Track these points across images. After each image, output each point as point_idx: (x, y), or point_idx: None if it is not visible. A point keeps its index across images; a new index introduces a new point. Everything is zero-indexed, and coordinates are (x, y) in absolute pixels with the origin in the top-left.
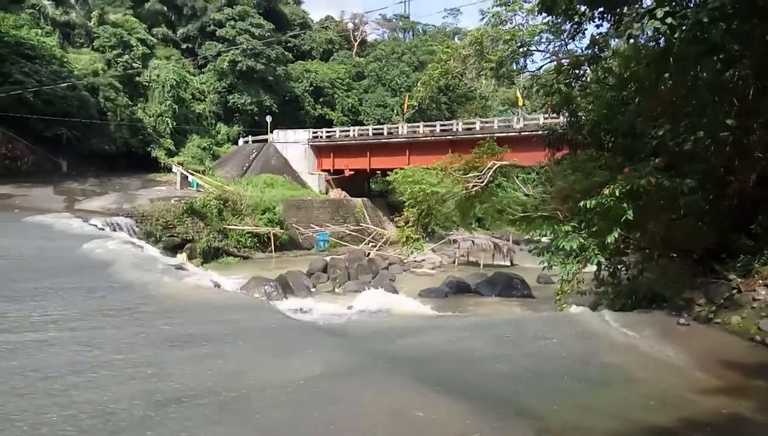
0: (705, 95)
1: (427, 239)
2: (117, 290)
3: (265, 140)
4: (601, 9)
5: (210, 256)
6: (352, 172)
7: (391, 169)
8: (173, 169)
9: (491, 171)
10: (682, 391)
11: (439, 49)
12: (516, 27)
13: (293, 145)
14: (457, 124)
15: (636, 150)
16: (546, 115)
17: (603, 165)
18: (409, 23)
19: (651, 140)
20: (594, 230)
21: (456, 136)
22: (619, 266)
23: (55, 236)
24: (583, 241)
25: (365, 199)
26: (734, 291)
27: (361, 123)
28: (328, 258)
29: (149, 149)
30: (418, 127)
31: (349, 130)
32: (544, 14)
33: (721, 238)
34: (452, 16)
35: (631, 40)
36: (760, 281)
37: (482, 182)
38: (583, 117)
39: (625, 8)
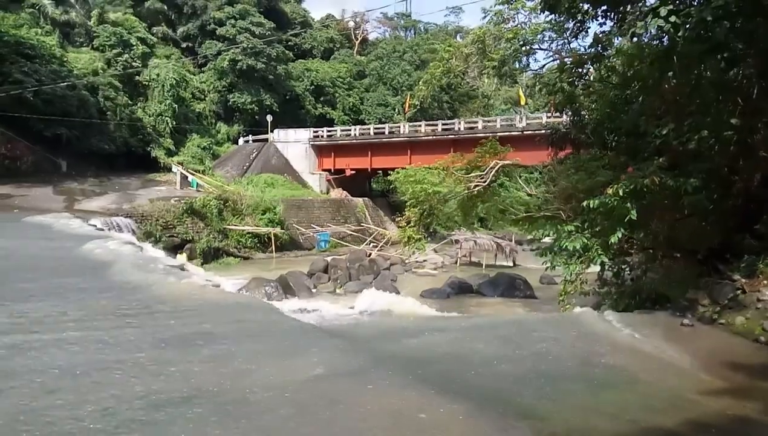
0: (709, 94)
1: (428, 239)
2: (117, 291)
3: (266, 140)
4: (604, 7)
5: (210, 256)
6: (353, 172)
7: (393, 169)
8: (173, 169)
9: (494, 170)
10: (686, 392)
11: (441, 47)
12: (518, 25)
13: (294, 144)
14: (459, 123)
15: (639, 149)
16: (549, 114)
17: (606, 164)
18: (411, 21)
19: (655, 139)
20: (597, 229)
21: (458, 135)
22: (622, 267)
23: (55, 236)
24: (586, 241)
25: (366, 199)
26: (738, 292)
27: (362, 122)
28: (329, 258)
29: (149, 149)
30: (420, 126)
31: (350, 130)
32: (546, 12)
33: (725, 238)
34: (454, 14)
35: (635, 39)
36: (765, 282)
37: (484, 182)
38: (587, 116)
39: (629, 6)
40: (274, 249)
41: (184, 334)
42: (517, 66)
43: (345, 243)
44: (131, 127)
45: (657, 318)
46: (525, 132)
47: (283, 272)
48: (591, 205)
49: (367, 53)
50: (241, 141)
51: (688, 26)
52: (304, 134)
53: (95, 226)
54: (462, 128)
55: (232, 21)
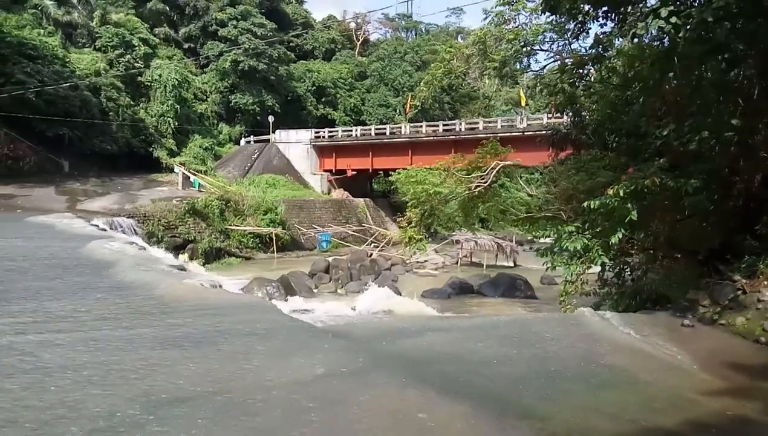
0: (709, 95)
1: (429, 239)
2: (119, 291)
3: (267, 140)
4: (605, 8)
5: (212, 256)
6: (354, 173)
7: (394, 170)
8: (175, 170)
9: (494, 171)
10: (687, 392)
11: (442, 48)
12: (519, 26)
13: (295, 145)
14: (460, 124)
15: (640, 150)
16: (550, 115)
17: (607, 165)
18: (412, 23)
19: (655, 140)
20: (598, 230)
21: (459, 136)
22: (623, 267)
23: (57, 236)
24: (586, 241)
25: (368, 199)
26: (739, 292)
27: (363, 123)
28: (330, 259)
29: (151, 149)
30: (421, 127)
31: (351, 130)
32: (547, 13)
33: (725, 238)
34: (455, 15)
35: (636, 40)
36: (765, 282)
37: (485, 182)
38: (587, 117)
39: (629, 7)
40: (275, 249)
41: (184, 334)
42: (518, 67)
43: (346, 243)
44: (133, 128)
45: (657, 319)
46: (526, 133)
47: (284, 272)
48: (592, 206)
49: (369, 54)
50: (242, 142)
51: (688, 27)
52: (306, 135)
53: (97, 226)
54: (463, 129)
55: (234, 22)
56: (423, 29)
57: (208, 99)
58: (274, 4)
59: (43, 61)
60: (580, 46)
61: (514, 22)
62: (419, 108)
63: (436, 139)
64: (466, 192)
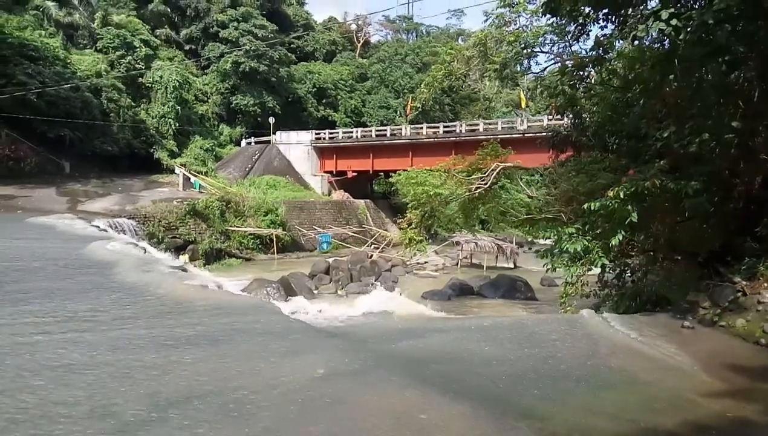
0: (710, 97)
1: (429, 240)
2: (120, 292)
3: (268, 142)
4: (605, 10)
5: (212, 257)
6: (354, 174)
7: (394, 171)
8: (176, 171)
9: (495, 173)
10: (686, 393)
11: (443, 50)
12: (520, 28)
13: (296, 146)
14: (461, 125)
15: (640, 152)
16: (550, 117)
17: (607, 167)
18: (413, 24)
19: (656, 142)
20: (598, 232)
21: (459, 137)
22: (623, 269)
23: (58, 237)
24: (587, 243)
25: (368, 200)
26: (739, 294)
27: (364, 124)
28: (330, 260)
29: (152, 150)
30: (421, 128)
31: (352, 132)
32: (548, 16)
33: (726, 240)
34: (456, 17)
35: (636, 42)
36: (766, 284)
37: (486, 184)
38: (588, 119)
39: (630, 10)
40: (275, 250)
41: (185, 334)
42: (519, 69)
43: (346, 245)
44: (134, 129)
45: (658, 320)
46: (526, 134)
47: (284, 273)
48: (592, 208)
49: (369, 56)
50: (243, 143)
51: (689, 29)
52: (306, 136)
53: (98, 227)
54: (463, 131)
55: (235, 24)
56: (424, 31)
57: (209, 100)
58: (275, 5)
59: (44, 63)
60: (580, 48)
61: (515, 24)
62: (420, 110)
63: (437, 141)
64: (467, 193)
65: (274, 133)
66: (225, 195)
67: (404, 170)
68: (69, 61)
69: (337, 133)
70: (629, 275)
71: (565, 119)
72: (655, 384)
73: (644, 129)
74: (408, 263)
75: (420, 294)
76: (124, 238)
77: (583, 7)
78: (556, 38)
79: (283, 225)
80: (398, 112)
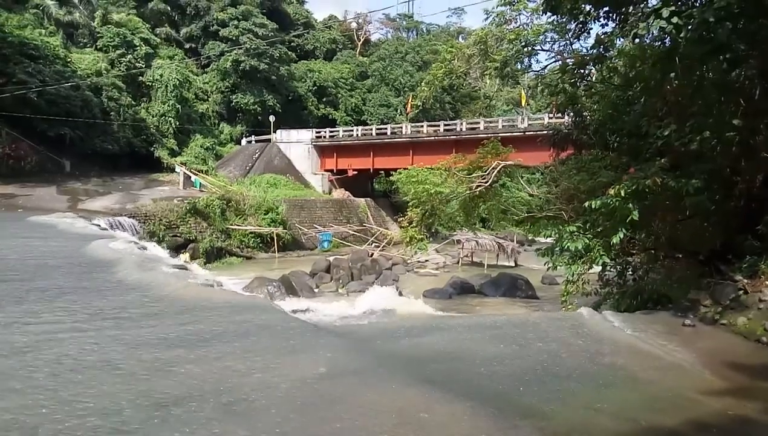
0: (711, 95)
1: (430, 239)
2: (122, 291)
3: (268, 140)
4: (606, 8)
5: (213, 256)
6: (355, 172)
7: (395, 169)
8: (176, 169)
9: (495, 171)
10: (688, 392)
11: (443, 48)
12: (520, 26)
13: (296, 144)
14: (461, 124)
15: (641, 150)
16: (551, 115)
17: (608, 165)
18: (413, 23)
19: (656, 140)
20: (599, 230)
21: (460, 136)
22: (624, 267)
23: (59, 235)
24: (588, 241)
25: (368, 199)
26: (740, 292)
27: (364, 123)
28: (331, 258)
29: (152, 149)
30: (422, 126)
31: (352, 130)
32: (548, 13)
33: (727, 238)
34: (456, 15)
35: (637, 40)
36: (767, 282)
37: (486, 182)
38: (588, 117)
39: (631, 8)
40: (276, 249)
41: (186, 333)
42: (519, 67)
43: (347, 243)
44: (135, 128)
45: (659, 318)
46: (527, 133)
47: (285, 272)
48: (593, 206)
49: (370, 54)
50: (243, 141)
51: (690, 27)
52: (307, 135)
53: (99, 225)
54: (464, 129)
55: (235, 22)
56: (424, 29)
57: (209, 99)
58: (275, 4)
59: (44, 61)
60: (581, 46)
61: (515, 23)
62: (420, 108)
63: (437, 139)
64: (467, 192)
65: (274, 132)
66: (225, 194)
67: (405, 169)
68: (69, 59)
69: (338, 131)
70: (630, 273)
71: (566, 117)
72: (656, 382)
73: (645, 127)
74: (409, 261)
75: (421, 292)
76: (125, 236)
77: (583, 5)
78: (556, 36)
79: (284, 224)
80: (399, 111)
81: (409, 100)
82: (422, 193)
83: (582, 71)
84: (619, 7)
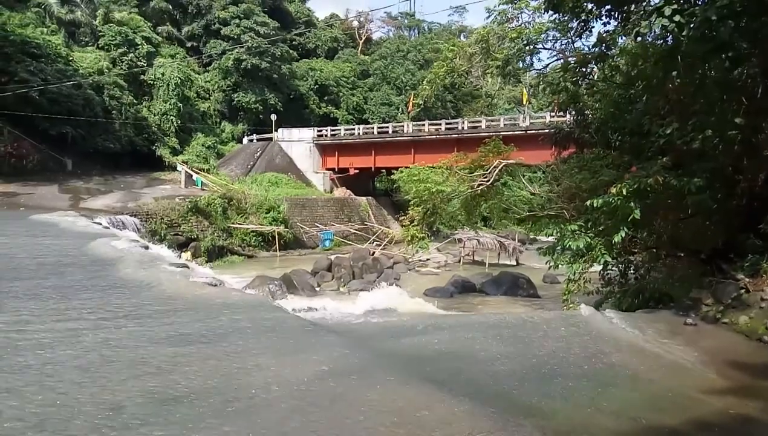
0: (713, 94)
1: (432, 238)
2: (124, 289)
3: (270, 139)
4: (608, 7)
5: (214, 254)
6: (356, 171)
7: (396, 168)
8: (178, 168)
9: (497, 170)
10: (689, 391)
11: (445, 47)
12: (522, 25)
13: (298, 143)
14: (463, 122)
15: (643, 149)
16: (552, 114)
17: (610, 164)
18: (415, 21)
19: (658, 139)
20: (601, 229)
21: (461, 134)
22: (626, 266)
23: (61, 234)
24: (589, 240)
25: (370, 197)
26: (742, 291)
27: (366, 121)
28: (332, 257)
29: (154, 148)
30: (423, 125)
31: (353, 129)
32: (550, 12)
33: (729, 237)
34: (458, 14)
35: (639, 38)
36: None
37: (488, 181)
38: (590, 115)
39: (633, 6)
40: (278, 247)
41: (188, 331)
42: (521, 65)
43: (348, 242)
44: (136, 126)
45: (660, 317)
46: (528, 131)
47: (286, 271)
48: (594, 205)
49: (371, 53)
50: (245, 140)
51: (692, 25)
52: (308, 133)
53: (101, 224)
54: (465, 128)
55: (237, 20)
56: (426, 28)
57: (211, 97)
58: (277, 2)
59: (46, 60)
60: (583, 44)
61: (517, 21)
62: (422, 106)
63: (439, 138)
64: (469, 190)
65: (276, 131)
66: (227, 192)
67: (406, 167)
68: (71, 58)
69: (339, 130)
70: (632, 272)
71: (568, 116)
72: (658, 381)
73: (647, 126)
74: (410, 260)
75: (422, 291)
76: (127, 235)
77: (585, 3)
78: (558, 35)
79: (285, 222)
80: (400, 109)
81: (411, 99)
82: (424, 191)
83: (584, 70)
84: (621, 6)
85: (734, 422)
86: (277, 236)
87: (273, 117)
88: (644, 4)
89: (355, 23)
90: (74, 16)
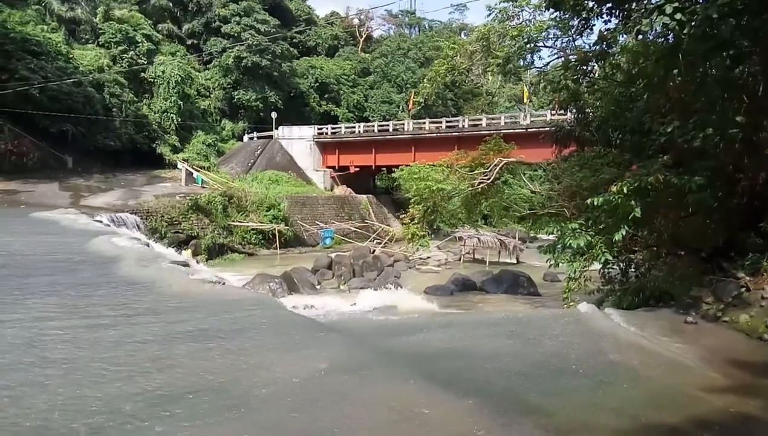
0: (714, 92)
1: (432, 236)
2: (124, 287)
3: (270, 136)
4: (609, 4)
5: (215, 252)
6: (357, 169)
7: (397, 166)
8: (178, 166)
9: (497, 168)
10: (690, 389)
11: (446, 45)
12: (523, 23)
13: (298, 141)
14: (463, 120)
15: (644, 147)
16: (553, 112)
17: (611, 162)
18: (415, 19)
19: (659, 137)
20: (601, 227)
21: (462, 132)
22: (626, 264)
23: (62, 232)
24: (590, 238)
25: (370, 196)
26: (742, 289)
27: (366, 119)
28: (333, 255)
29: (154, 145)
30: (424, 123)
31: (354, 127)
32: (551, 10)
33: (729, 236)
34: (458, 11)
35: (640, 36)
36: None
37: (488, 179)
38: (591, 113)
39: (634, 4)
40: (278, 245)
41: (188, 329)
42: (522, 63)
43: (349, 240)
44: (137, 124)
45: (661, 315)
46: (529, 129)
47: (287, 269)
48: (595, 203)
49: (372, 51)
50: (245, 138)
51: (693, 24)
52: (309, 131)
53: (101, 222)
54: (466, 126)
55: (237, 18)
56: (426, 26)
57: (211, 95)
58: (277, 0)
59: (46, 57)
60: (584, 42)
61: (518, 19)
62: (422, 105)
63: (439, 136)
64: (469, 189)
65: (276, 129)
66: (227, 190)
67: (407, 165)
68: (71, 56)
69: (340, 128)
70: (632, 270)
71: (569, 114)
72: (658, 379)
73: (648, 124)
74: (410, 258)
75: (423, 289)
76: (128, 233)
77: (586, 1)
78: (559, 33)
79: (286, 220)
80: (401, 107)
81: (411, 97)
82: (424, 190)
83: (585, 68)
84: (622, 4)
85: (734, 420)
86: (277, 234)
87: (273, 115)
88: (645, 2)
89: (356, 21)
90: (74, 13)
